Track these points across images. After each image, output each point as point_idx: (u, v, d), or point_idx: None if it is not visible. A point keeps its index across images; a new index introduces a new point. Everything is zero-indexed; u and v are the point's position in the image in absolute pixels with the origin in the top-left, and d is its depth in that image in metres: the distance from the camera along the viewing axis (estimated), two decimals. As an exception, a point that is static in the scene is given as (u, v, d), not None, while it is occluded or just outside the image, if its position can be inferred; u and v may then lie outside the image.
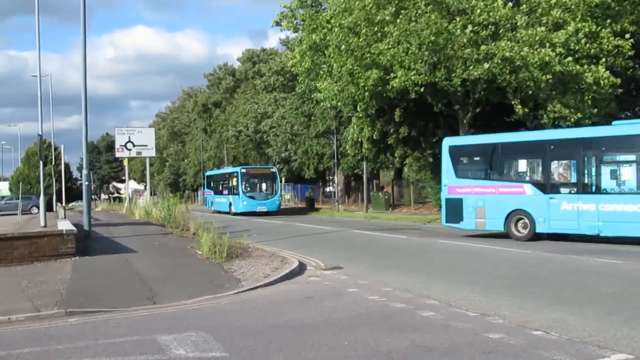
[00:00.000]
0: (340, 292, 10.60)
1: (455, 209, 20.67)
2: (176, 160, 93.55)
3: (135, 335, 7.65)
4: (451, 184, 21.05)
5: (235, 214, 40.77)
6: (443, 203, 21.45)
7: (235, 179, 41.95)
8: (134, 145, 41.48)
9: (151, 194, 48.62)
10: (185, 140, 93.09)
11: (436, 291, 10.25)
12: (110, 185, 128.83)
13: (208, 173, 57.18)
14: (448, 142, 21.81)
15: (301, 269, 13.27)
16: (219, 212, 44.81)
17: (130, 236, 20.28)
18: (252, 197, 41.20)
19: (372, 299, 9.80)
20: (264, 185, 42.54)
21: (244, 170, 42.75)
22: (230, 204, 42.81)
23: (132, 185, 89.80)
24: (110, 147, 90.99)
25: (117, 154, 44.33)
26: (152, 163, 66.37)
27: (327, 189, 62.16)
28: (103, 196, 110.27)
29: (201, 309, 9.54)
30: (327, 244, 20.24)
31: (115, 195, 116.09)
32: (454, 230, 21.64)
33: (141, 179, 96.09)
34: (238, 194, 41.36)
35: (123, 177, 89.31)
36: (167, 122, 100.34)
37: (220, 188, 47.50)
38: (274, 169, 44.64)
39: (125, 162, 47.49)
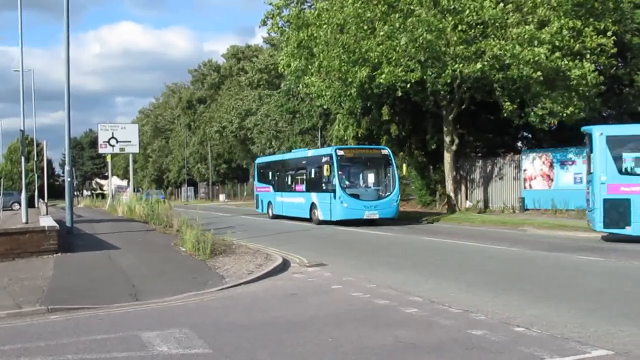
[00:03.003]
0: (324, 289, 10.61)
1: (619, 212, 17.22)
2: (160, 157, 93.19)
3: (118, 332, 7.61)
4: (613, 181, 17.32)
5: (327, 222, 26.26)
6: (599, 205, 17.40)
7: (326, 167, 25.77)
8: (117, 142, 41.17)
9: (134, 191, 48.37)
10: (169, 136, 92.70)
11: (420, 288, 10.28)
12: (93, 182, 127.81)
13: (263, 160, 38.06)
14: (602, 131, 17.86)
15: (285, 265, 13.27)
16: (287, 218, 30.52)
17: (113, 233, 20.15)
18: (355, 196, 25.75)
19: (357, 296, 9.81)
20: (371, 176, 27.35)
21: (341, 152, 26.28)
22: (315, 207, 27.48)
23: (115, 181, 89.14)
24: (94, 143, 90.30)
25: (100, 150, 43.93)
26: (135, 159, 66.13)
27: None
28: (86, 193, 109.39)
29: (184, 305, 9.50)
30: (310, 240, 20.25)
31: (98, 191, 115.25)
32: (439, 228, 21.68)
33: (124, 175, 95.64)
34: (333, 191, 25.70)
35: (106, 174, 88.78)
36: (150, 118, 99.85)
37: (290, 181, 31.31)
38: (387, 150, 27.34)
39: (109, 159, 47.12)
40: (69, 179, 20.24)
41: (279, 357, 6.55)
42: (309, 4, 32.86)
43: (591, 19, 24.67)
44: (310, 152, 30.22)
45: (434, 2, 24.54)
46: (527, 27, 23.68)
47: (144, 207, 26.28)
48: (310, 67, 28.73)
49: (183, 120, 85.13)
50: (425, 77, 25.06)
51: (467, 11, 23.98)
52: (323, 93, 28.97)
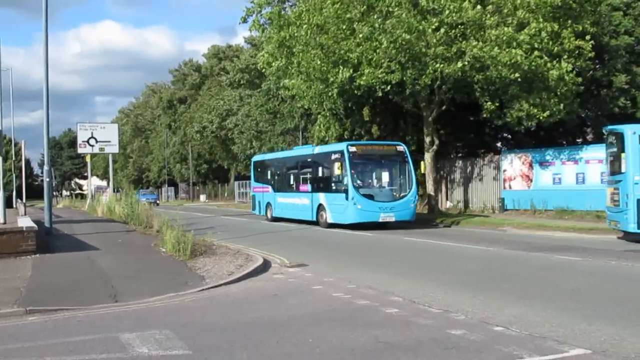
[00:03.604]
0: (304, 290, 10.62)
1: None
2: (140, 157, 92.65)
3: (97, 334, 7.55)
4: None
5: (337, 225, 24.15)
6: (632, 205, 16.90)
7: (336, 165, 23.55)
8: (96, 141, 40.85)
9: (114, 191, 48.03)
10: (149, 136, 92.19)
11: (400, 288, 10.32)
12: (72, 182, 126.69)
13: (261, 157, 35.53)
14: (635, 130, 17.22)
15: (266, 266, 13.26)
16: (288, 220, 28.29)
17: (93, 233, 20.01)
18: (370, 197, 23.52)
19: (337, 296, 9.83)
20: (385, 175, 24.96)
21: (353, 149, 24.09)
22: (323, 209, 25.19)
23: (95, 181, 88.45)
24: (73, 142, 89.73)
25: (80, 150, 43.59)
26: (115, 159, 65.62)
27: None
28: (65, 193, 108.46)
29: (164, 306, 9.46)
30: (292, 241, 20.24)
31: (78, 192, 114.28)
32: (420, 228, 21.71)
33: (104, 176, 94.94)
34: (345, 191, 23.54)
35: (85, 174, 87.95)
36: (130, 118, 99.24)
37: (293, 181, 28.92)
38: (403, 146, 25.12)
39: (88, 159, 46.73)
40: (47, 179, 20.08)
41: (257, 357, 6.55)
42: (290, 4, 32.86)
43: (569, 21, 24.92)
44: (317, 149, 27.62)
45: (414, 4, 24.62)
46: (505, 29, 23.85)
47: (123, 207, 26.12)
48: (290, 67, 28.70)
49: (163, 120, 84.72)
50: (405, 78, 25.15)
51: (447, 12, 24.10)
52: (304, 94, 28.95)
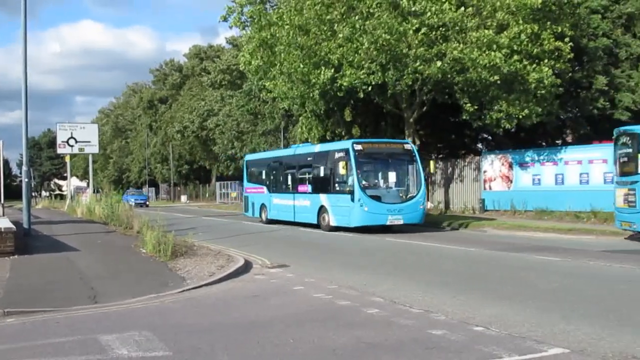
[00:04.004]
0: (286, 290, 10.62)
1: None
2: (120, 157, 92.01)
3: (77, 335, 7.49)
4: None
5: (341, 228, 22.83)
6: None
7: (341, 164, 22.17)
8: (76, 142, 40.56)
9: (94, 191, 47.66)
10: (129, 136, 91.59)
11: (381, 288, 10.35)
12: (52, 182, 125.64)
13: (254, 157, 34.12)
14: None
15: (247, 267, 13.23)
16: (285, 223, 26.80)
17: (72, 234, 19.84)
18: (377, 198, 22.06)
19: (318, 297, 9.83)
20: (392, 175, 23.35)
21: (359, 147, 22.58)
22: (325, 211, 23.66)
23: (75, 182, 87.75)
24: (52, 143, 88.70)
25: (59, 151, 43.22)
26: (95, 160, 65.04)
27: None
28: (44, 193, 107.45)
29: (145, 308, 9.41)
30: (273, 242, 20.22)
31: (57, 192, 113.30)
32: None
33: (84, 176, 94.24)
34: (350, 192, 22.14)
35: (65, 174, 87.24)
36: (110, 118, 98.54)
37: (291, 181, 27.16)
38: (410, 144, 24.33)
39: (67, 159, 46.41)
40: (26, 180, 19.90)
41: (238, 358, 6.53)
42: (271, 4, 32.85)
43: (549, 24, 25.15)
44: (319, 147, 26.04)
45: (394, 5, 24.70)
46: (486, 31, 24.00)
47: (103, 208, 25.94)
48: (272, 68, 28.69)
49: (144, 120, 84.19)
50: (386, 79, 25.22)
51: (428, 13, 24.20)
52: (286, 95, 28.94)
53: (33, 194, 76.02)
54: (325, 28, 25.88)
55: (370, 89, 25.65)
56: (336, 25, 25.54)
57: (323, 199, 23.87)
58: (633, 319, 7.93)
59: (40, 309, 9.13)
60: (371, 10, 24.71)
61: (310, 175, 25.43)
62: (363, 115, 32.85)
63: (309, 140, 32.93)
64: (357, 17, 24.74)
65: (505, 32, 24.24)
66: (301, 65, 25.97)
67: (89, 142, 41.30)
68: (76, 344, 7.08)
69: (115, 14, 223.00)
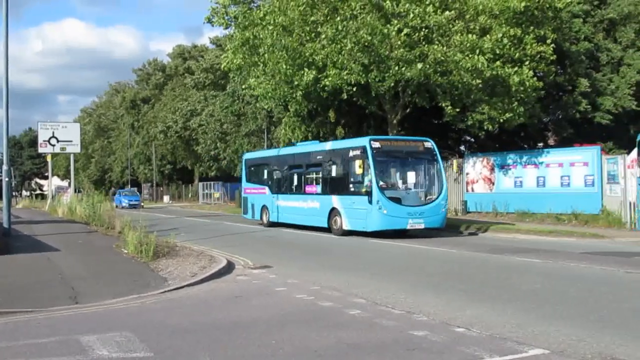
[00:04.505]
0: (268, 291, 10.60)
1: None
2: (102, 157, 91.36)
3: (57, 336, 7.44)
4: None
5: (356, 232, 21.20)
6: None
7: (357, 163, 20.51)
8: (58, 141, 40.24)
9: (76, 191, 47.32)
10: (112, 136, 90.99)
11: (364, 290, 10.36)
12: (33, 182, 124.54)
13: (255, 155, 31.99)
14: None
15: (229, 267, 13.20)
16: (290, 226, 25.18)
17: (53, 234, 19.69)
18: (396, 200, 20.39)
19: (301, 298, 9.83)
20: (411, 175, 21.56)
21: (376, 144, 20.87)
22: (337, 214, 21.97)
23: (56, 181, 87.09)
24: (33, 142, 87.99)
25: (40, 150, 42.86)
26: (77, 159, 64.60)
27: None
28: (25, 193, 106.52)
29: (126, 308, 9.35)
30: (255, 242, 20.19)
31: (38, 192, 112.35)
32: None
33: (65, 176, 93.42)
34: (367, 193, 20.38)
35: (46, 174, 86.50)
36: (93, 117, 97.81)
37: (297, 181, 25.40)
38: (430, 142, 22.03)
39: (49, 158, 45.98)
40: (6, 179, 19.74)
41: (220, 359, 6.51)
42: (255, 5, 32.81)
43: (531, 27, 25.34)
44: (330, 145, 24.25)
45: (378, 7, 24.77)
46: (469, 35, 24.12)
47: (85, 208, 25.77)
48: (255, 68, 28.66)
49: (127, 120, 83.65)
50: (369, 80, 25.28)
51: (411, 15, 24.29)
52: (269, 95, 28.90)
53: (13, 193, 75.32)
54: (309, 29, 25.90)
55: (354, 90, 25.70)
56: (320, 26, 25.56)
57: (335, 200, 22.15)
58: (613, 320, 8.01)
59: (20, 309, 9.06)
60: (354, 12, 24.76)
61: (320, 175, 23.72)
62: (347, 117, 32.89)
63: (293, 140, 32.90)
64: (340, 19, 24.76)
65: (488, 36, 24.39)
66: (285, 66, 25.96)
67: (71, 141, 40.98)
68: (57, 345, 7.03)
69: (99, 13, 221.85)
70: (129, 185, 77.33)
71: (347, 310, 8.75)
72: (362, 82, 25.39)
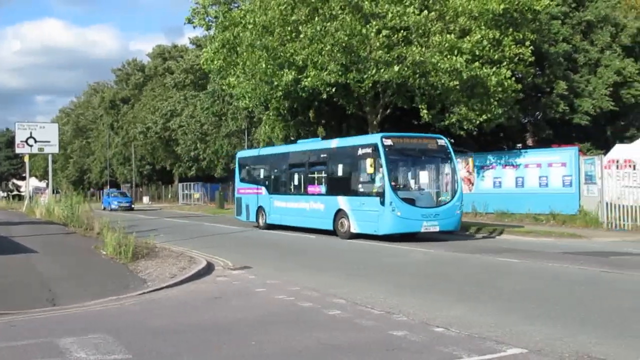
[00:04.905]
0: (248, 292, 10.58)
1: None
2: (81, 157, 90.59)
3: (34, 339, 7.35)
4: None
5: (365, 236, 19.86)
6: None
7: (369, 162, 19.00)
8: (35, 141, 39.81)
9: (54, 192, 46.87)
10: (90, 136, 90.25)
11: (343, 290, 10.37)
12: (10, 183, 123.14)
13: (249, 153, 30.32)
14: None
15: (209, 268, 13.13)
16: (289, 228, 23.80)
17: (31, 235, 19.49)
18: (410, 202, 19.22)
19: (280, 299, 9.82)
20: (424, 175, 20.96)
21: (388, 142, 19.42)
22: (344, 216, 20.61)
23: (34, 182, 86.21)
24: (11, 142, 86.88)
25: (18, 150, 42.38)
26: (55, 160, 63.93)
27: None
28: (1, 194, 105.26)
29: (105, 310, 9.28)
30: (235, 243, 20.13)
31: (15, 193, 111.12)
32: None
33: (43, 176, 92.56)
34: (379, 194, 19.12)
35: (24, 174, 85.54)
36: (71, 117, 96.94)
37: (298, 181, 24.03)
38: (444, 140, 20.79)
39: (26, 159, 45.52)
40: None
41: (201, 361, 6.49)
42: (236, 5, 32.75)
43: (510, 29, 25.55)
44: (336, 142, 22.60)
45: (358, 8, 24.82)
46: (448, 36, 24.25)
47: (63, 209, 25.54)
48: (235, 68, 28.60)
49: (106, 120, 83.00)
50: (348, 81, 25.32)
51: (390, 15, 24.37)
52: (248, 95, 28.82)
53: (-10, 194, 74.38)
54: (290, 29, 25.89)
55: (333, 90, 25.71)
56: (301, 26, 25.57)
57: (341, 201, 20.76)
58: (590, 319, 8.09)
59: (-4, 311, 8.95)
60: (334, 13, 24.79)
61: (325, 175, 22.40)
62: (326, 117, 32.90)
63: (273, 140, 32.83)
64: (319, 19, 24.77)
65: (467, 37, 24.54)
66: (264, 65, 25.91)
67: (49, 141, 40.56)
68: (34, 347, 6.95)
69: (78, 12, 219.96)
70: (109, 186, 76.68)
71: (326, 310, 8.73)
72: (342, 83, 25.42)
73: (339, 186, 21.24)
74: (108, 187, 77.97)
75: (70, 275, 12.18)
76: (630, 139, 29.41)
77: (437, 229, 19.13)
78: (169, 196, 71.61)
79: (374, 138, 20.02)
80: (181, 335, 7.52)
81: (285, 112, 31.32)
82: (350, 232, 20.23)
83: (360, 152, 20.16)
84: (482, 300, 9.50)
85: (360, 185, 20.38)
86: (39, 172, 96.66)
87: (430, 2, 25.53)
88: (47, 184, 58.25)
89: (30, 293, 10.29)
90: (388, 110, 29.24)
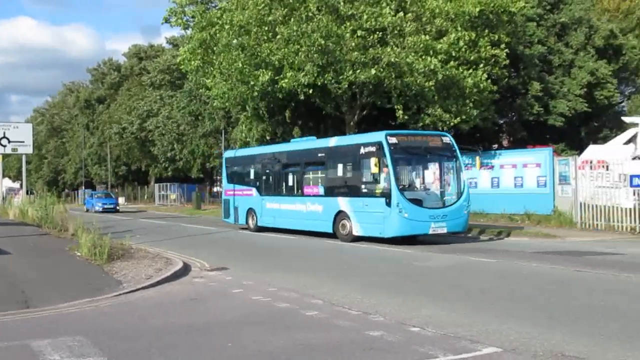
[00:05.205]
0: (224, 293, 10.55)
1: None
2: (55, 157, 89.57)
3: (7, 341, 7.25)
4: None
5: (369, 239, 18.89)
6: None
7: (373, 161, 17.87)
8: (9, 142, 39.16)
9: (27, 193, 46.30)
10: (65, 136, 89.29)
11: (320, 291, 10.37)
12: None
13: (238, 153, 28.24)
14: None
15: (185, 269, 13.07)
16: (282, 231, 22.89)
17: (3, 237, 19.21)
18: (417, 202, 18.29)
19: (257, 299, 9.80)
20: (429, 174, 20.61)
21: (393, 140, 18.40)
22: (345, 217, 19.61)
23: (7, 183, 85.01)
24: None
25: (-9, 151, 41.77)
26: (29, 160, 63.19)
27: (215, 189, 61.43)
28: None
29: (79, 312, 9.18)
30: (212, 244, 20.05)
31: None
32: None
33: (17, 177, 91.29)
34: (384, 195, 18.11)
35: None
36: (46, 117, 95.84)
37: (293, 182, 22.96)
38: (449, 137, 19.87)
39: (-1, 159, 44.90)
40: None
41: (176, 362, 6.46)
42: (213, 5, 32.63)
43: (486, 31, 25.79)
44: (335, 141, 21.49)
45: (333, 9, 24.87)
46: (423, 36, 24.39)
47: (37, 210, 25.23)
48: (212, 68, 28.50)
49: (81, 120, 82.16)
50: (325, 82, 25.36)
51: (365, 16, 24.45)
52: (225, 96, 28.72)
53: (-38, 195, 73.09)
54: (267, 29, 25.86)
55: (311, 91, 25.72)
56: (278, 27, 25.55)
57: (342, 203, 19.81)
58: (563, 318, 8.18)
59: (-32, 314, 8.82)
60: (310, 14, 24.80)
61: (323, 175, 21.39)
62: (304, 117, 32.88)
63: (249, 140, 32.71)
64: (295, 19, 24.77)
65: (444, 38, 24.71)
66: (240, 65, 25.84)
67: (23, 142, 39.94)
68: (6, 351, 6.86)
69: (52, 11, 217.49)
70: (84, 187, 75.90)
71: (303, 311, 8.74)
72: (319, 84, 25.44)
73: (339, 186, 20.40)
74: (83, 187, 77.23)
75: (43, 277, 12.05)
76: (604, 140, 29.86)
77: (445, 230, 18.43)
78: (145, 197, 71.10)
79: (378, 136, 18.87)
80: (156, 336, 7.48)
81: (262, 112, 31.26)
82: (352, 235, 19.32)
83: (362, 150, 19.20)
84: (456, 299, 9.54)
85: (363, 186, 19.35)
86: (13, 172, 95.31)
87: (408, 3, 25.64)
88: (21, 185, 57.54)
89: (2, 295, 10.14)
90: (365, 111, 29.33)
